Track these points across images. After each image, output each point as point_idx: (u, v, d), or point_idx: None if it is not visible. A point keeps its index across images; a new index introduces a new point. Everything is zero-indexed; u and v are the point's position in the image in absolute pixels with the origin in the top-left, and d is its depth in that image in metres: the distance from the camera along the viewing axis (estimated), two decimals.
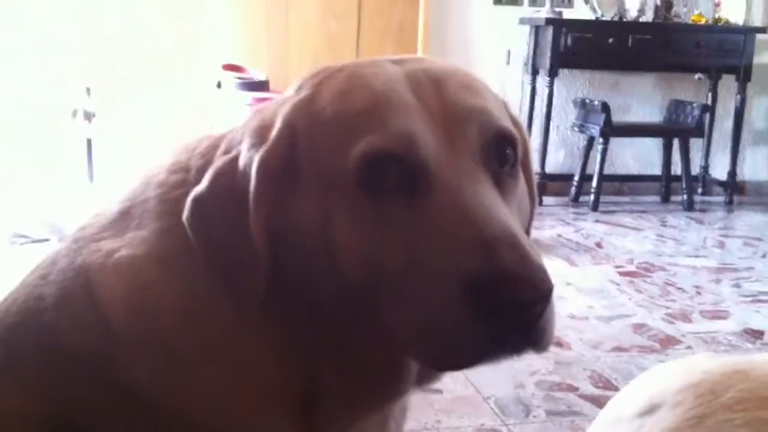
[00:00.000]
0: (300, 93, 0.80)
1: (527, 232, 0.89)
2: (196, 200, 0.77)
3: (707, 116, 4.96)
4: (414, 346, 0.72)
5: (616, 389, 1.21)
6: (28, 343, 0.81)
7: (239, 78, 4.25)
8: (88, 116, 3.90)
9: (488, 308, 0.65)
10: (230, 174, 0.78)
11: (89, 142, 3.94)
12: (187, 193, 0.80)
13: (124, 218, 0.84)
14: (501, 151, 0.78)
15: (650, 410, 1.06)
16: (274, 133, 0.77)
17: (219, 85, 4.26)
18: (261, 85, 4.24)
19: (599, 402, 1.18)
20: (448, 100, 0.77)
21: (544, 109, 4.76)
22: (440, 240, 0.69)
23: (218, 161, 0.80)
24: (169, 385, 0.77)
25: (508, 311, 0.65)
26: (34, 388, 0.79)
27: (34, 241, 3.23)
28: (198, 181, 0.80)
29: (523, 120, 4.84)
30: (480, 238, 0.67)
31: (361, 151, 0.72)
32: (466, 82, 0.80)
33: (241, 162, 0.78)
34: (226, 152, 0.82)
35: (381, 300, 0.73)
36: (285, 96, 0.83)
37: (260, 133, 0.78)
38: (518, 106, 4.93)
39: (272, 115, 0.80)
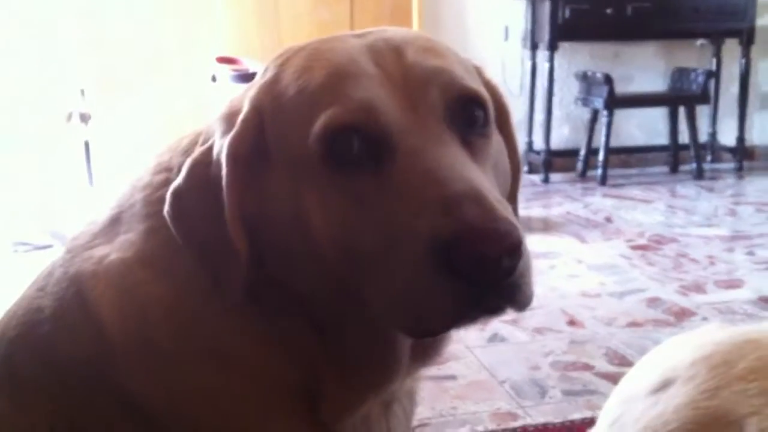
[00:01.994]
0: (265, 75, 0.80)
1: (513, 194, 0.87)
2: (174, 193, 0.76)
3: (712, 82, 4.90)
4: (390, 316, 0.69)
5: (632, 365, 1.19)
6: (28, 357, 0.81)
7: (234, 70, 4.22)
8: (84, 118, 3.88)
9: (455, 267, 0.62)
10: (205, 164, 0.77)
11: (87, 144, 3.91)
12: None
13: (114, 224, 0.84)
14: (468, 112, 0.76)
15: (664, 386, 1.04)
16: (240, 117, 0.76)
17: (214, 79, 4.22)
18: (255, 77, 4.21)
19: (616, 379, 1.16)
20: (408, 65, 0.75)
21: (546, 84, 4.70)
22: (405, 204, 0.67)
23: (194, 154, 0.79)
24: (165, 387, 0.76)
25: (475, 268, 0.62)
26: (39, 403, 0.78)
27: (36, 248, 3.22)
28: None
29: (525, 96, 4.81)
30: (442, 196, 0.65)
31: (322, 125, 0.71)
32: (428, 46, 0.78)
33: (215, 151, 0.77)
34: (204, 144, 0.81)
35: (359, 276, 0.70)
36: (254, 81, 0.82)
37: (229, 120, 0.78)
38: (519, 83, 4.88)
39: (240, 101, 0.79)
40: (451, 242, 0.62)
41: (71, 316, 0.79)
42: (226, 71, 4.19)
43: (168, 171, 0.84)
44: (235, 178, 0.74)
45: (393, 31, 0.81)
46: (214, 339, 0.77)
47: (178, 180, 0.77)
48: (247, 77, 4.16)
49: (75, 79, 4.19)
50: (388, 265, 0.67)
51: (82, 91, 3.97)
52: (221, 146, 0.76)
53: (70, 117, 3.86)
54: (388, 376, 0.82)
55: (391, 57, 0.75)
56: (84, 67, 4.27)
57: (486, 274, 0.63)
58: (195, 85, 4.37)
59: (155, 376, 0.76)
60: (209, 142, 0.79)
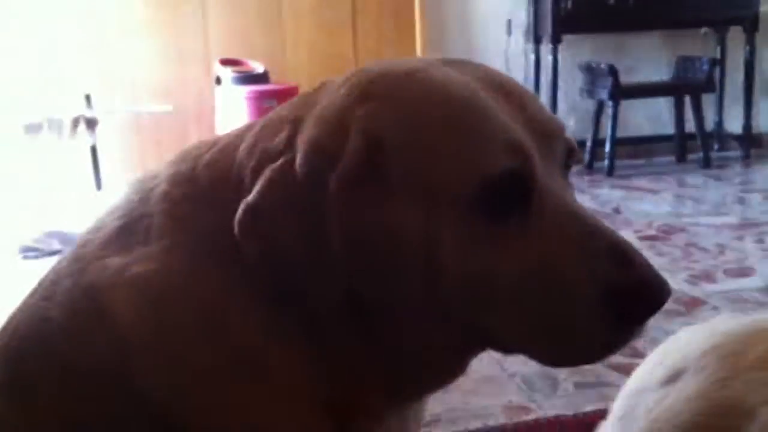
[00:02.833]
0: (361, 99, 0.77)
1: None
2: (251, 211, 0.74)
3: (717, 70, 4.88)
4: (536, 347, 0.75)
5: (644, 356, 1.19)
6: (38, 367, 0.79)
7: (238, 72, 4.22)
8: (91, 124, 3.89)
9: (627, 312, 0.70)
10: (289, 184, 0.74)
11: (94, 149, 3.92)
12: (196, 209, 0.79)
13: (126, 234, 0.81)
14: (569, 164, 0.81)
15: (674, 377, 1.04)
16: (352, 142, 0.73)
17: (218, 81, 4.23)
18: (260, 78, 4.21)
19: (627, 370, 1.16)
20: (529, 113, 0.77)
21: (550, 77, 4.69)
22: (565, 249, 0.71)
23: (268, 171, 0.75)
24: (196, 401, 0.76)
25: (648, 314, 0.70)
26: (51, 413, 0.77)
27: (46, 255, 3.22)
28: (210, 194, 0.79)
29: (529, 87, 4.79)
30: (608, 245, 0.70)
31: (481, 172, 0.72)
32: (531, 94, 0.82)
33: (303, 169, 0.74)
34: (260, 163, 0.78)
35: (488, 309, 0.73)
36: (309, 99, 0.81)
37: (320, 142, 0.75)
38: (523, 76, 4.87)
39: (322, 122, 0.76)
40: (631, 294, 0.69)
41: (88, 328, 0.77)
42: (230, 73, 4.20)
43: (191, 183, 0.81)
44: (347, 203, 0.72)
45: (481, 68, 0.82)
46: (248, 354, 0.76)
47: (254, 197, 0.74)
48: (251, 79, 4.17)
49: (79, 85, 4.20)
50: (540, 301, 0.71)
51: (88, 97, 3.97)
52: (318, 168, 0.73)
53: (76, 123, 3.87)
54: (437, 387, 0.84)
55: (505, 99, 0.77)
56: (88, 72, 4.28)
57: (651, 316, 0.71)
58: (199, 87, 4.38)
59: (186, 390, 0.75)
60: (281, 162, 0.75)
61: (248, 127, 0.85)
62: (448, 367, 0.82)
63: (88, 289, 0.78)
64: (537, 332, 0.73)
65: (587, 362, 0.75)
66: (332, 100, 0.79)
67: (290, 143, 0.77)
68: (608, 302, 0.69)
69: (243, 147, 0.81)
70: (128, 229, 0.81)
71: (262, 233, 0.74)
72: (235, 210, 0.75)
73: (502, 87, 0.78)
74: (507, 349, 0.78)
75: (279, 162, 0.75)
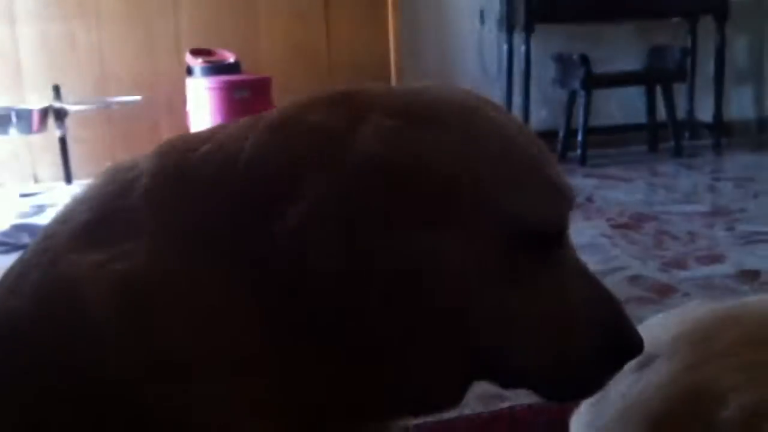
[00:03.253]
0: (422, 123, 0.75)
1: None
2: (339, 219, 0.72)
3: (688, 59, 4.92)
4: (541, 383, 0.80)
5: None
6: (3, 361, 0.76)
7: (209, 62, 4.19)
8: (60, 115, 3.84)
9: (617, 364, 0.81)
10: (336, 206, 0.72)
11: (63, 141, 3.88)
12: (187, 205, 0.76)
13: (100, 227, 0.77)
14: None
15: (646, 363, 1.05)
16: (425, 172, 0.72)
17: (189, 71, 4.20)
18: (231, 68, 4.18)
19: None
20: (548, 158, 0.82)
21: (523, 67, 4.70)
22: (581, 304, 0.78)
23: (343, 182, 0.72)
24: (179, 400, 0.73)
25: (625, 363, 0.82)
26: (17, 412, 0.74)
27: (15, 249, 3.19)
28: (208, 191, 0.76)
29: (503, 80, 4.81)
30: (609, 301, 0.80)
31: (542, 216, 0.76)
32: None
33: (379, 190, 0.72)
34: (315, 179, 0.73)
35: (501, 345, 0.76)
36: (317, 124, 0.76)
37: (389, 162, 0.72)
38: (497, 66, 4.88)
39: (380, 140, 0.73)
40: (623, 352, 0.81)
41: (64, 323, 0.73)
42: (201, 63, 4.17)
43: (181, 178, 0.78)
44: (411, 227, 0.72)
45: (504, 117, 0.83)
46: (236, 357, 0.74)
47: (332, 204, 0.71)
48: (222, 69, 4.14)
49: (48, 76, 4.15)
50: (552, 342, 0.77)
51: (57, 87, 3.93)
52: (382, 189, 0.71)
53: (45, 114, 3.82)
54: (430, 413, 0.85)
55: (542, 149, 0.82)
56: (56, 62, 4.23)
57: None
58: (170, 78, 4.35)
59: (169, 389, 0.72)
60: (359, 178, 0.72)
61: (250, 127, 0.80)
62: (448, 398, 0.81)
63: (61, 283, 0.75)
64: (544, 371, 0.78)
65: (581, 398, 0.88)
66: (380, 120, 0.75)
67: (341, 158, 0.73)
68: (607, 357, 0.79)
69: (262, 146, 0.77)
70: (102, 222, 0.78)
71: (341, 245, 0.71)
72: (246, 211, 0.73)
73: (534, 137, 0.83)
74: (510, 384, 0.83)
75: (355, 179, 0.72)
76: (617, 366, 0.81)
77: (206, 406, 0.73)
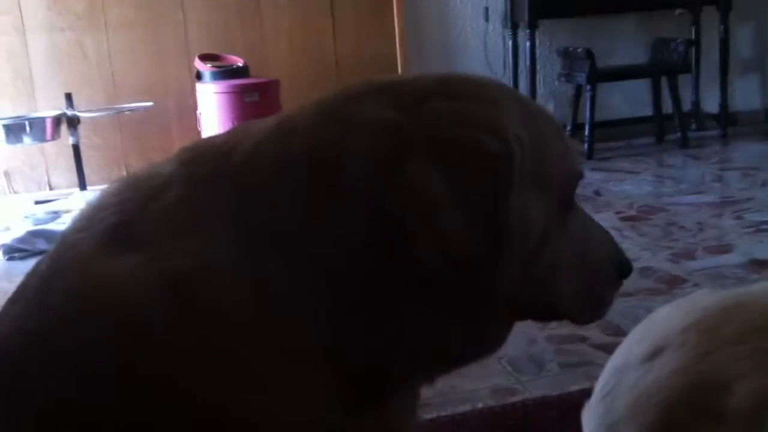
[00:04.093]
0: (486, 103, 0.82)
1: None
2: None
3: (693, 51, 4.91)
4: (576, 310, 0.91)
5: (626, 335, 1.22)
6: (38, 373, 0.72)
7: (217, 67, 4.22)
8: (73, 123, 3.87)
9: (619, 280, 0.95)
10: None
11: (76, 148, 3.91)
12: (237, 204, 0.75)
13: (132, 231, 0.75)
14: None
15: (655, 354, 1.07)
16: (513, 141, 0.78)
17: (198, 76, 4.23)
18: (240, 72, 4.22)
19: (611, 349, 1.19)
20: None
21: (528, 63, 4.71)
22: (595, 240, 0.93)
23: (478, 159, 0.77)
24: (253, 406, 0.72)
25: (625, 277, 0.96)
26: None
27: (32, 255, 3.21)
28: (256, 192, 0.76)
29: (508, 76, 4.82)
30: (607, 234, 0.95)
31: (577, 173, 0.90)
32: None
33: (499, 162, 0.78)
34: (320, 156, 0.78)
35: (550, 284, 0.87)
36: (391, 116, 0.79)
37: (482, 144, 0.77)
38: (502, 63, 4.89)
39: (466, 123, 0.79)
40: (626, 269, 0.95)
41: (111, 326, 0.70)
42: (210, 68, 4.19)
43: (215, 183, 0.78)
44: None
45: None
46: (297, 350, 0.74)
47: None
48: (230, 73, 4.17)
49: (59, 84, 4.18)
50: (582, 275, 0.90)
51: (69, 95, 3.95)
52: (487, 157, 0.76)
53: (59, 121, 3.85)
54: (480, 360, 0.88)
55: None
56: (68, 71, 4.26)
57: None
58: (180, 83, 4.37)
59: (242, 395, 0.71)
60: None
61: (277, 128, 0.82)
62: (500, 340, 0.89)
63: (102, 288, 0.71)
64: (577, 299, 0.90)
65: (600, 317, 0.95)
66: (441, 103, 0.80)
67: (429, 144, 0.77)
68: (615, 278, 0.94)
69: (328, 141, 0.79)
70: (133, 226, 0.76)
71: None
72: (316, 205, 0.75)
73: None
74: (550, 317, 0.95)
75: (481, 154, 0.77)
76: (620, 285, 0.95)
77: (270, 404, 0.72)
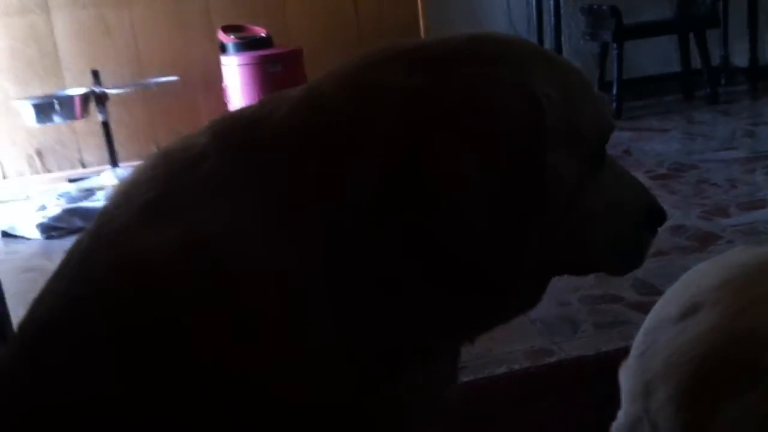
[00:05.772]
0: (511, 64, 0.82)
1: None
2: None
3: (720, 4, 4.83)
4: (610, 262, 0.92)
5: (661, 293, 1.21)
6: (81, 346, 0.74)
7: (241, 38, 4.22)
8: (101, 100, 3.90)
9: (655, 225, 0.94)
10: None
11: (106, 125, 3.94)
12: (271, 174, 0.76)
13: (170, 203, 0.77)
14: None
15: (691, 311, 1.07)
16: (542, 102, 0.78)
17: (223, 49, 4.24)
18: (263, 42, 4.21)
19: (645, 309, 1.19)
20: None
21: (553, 22, 4.66)
22: (627, 190, 0.91)
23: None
24: (268, 366, 0.73)
25: (660, 225, 0.95)
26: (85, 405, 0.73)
27: (69, 233, 3.26)
28: (290, 161, 0.77)
29: (533, 36, 4.78)
30: (639, 184, 0.93)
31: (609, 125, 0.89)
32: None
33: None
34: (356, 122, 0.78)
35: (591, 234, 0.87)
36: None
37: (503, 104, 0.77)
38: (526, 22, 4.84)
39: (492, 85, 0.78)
40: (658, 216, 0.94)
41: (148, 297, 0.72)
42: (233, 40, 4.19)
43: (255, 153, 0.78)
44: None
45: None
46: (320, 320, 0.75)
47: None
48: (253, 44, 4.16)
49: (85, 62, 4.21)
50: (613, 226, 0.89)
51: (96, 73, 3.98)
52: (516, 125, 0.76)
53: (87, 99, 3.88)
54: (517, 316, 0.91)
55: None
56: (93, 47, 4.28)
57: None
58: (204, 55, 4.38)
59: (253, 352, 0.72)
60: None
61: (306, 98, 0.82)
62: (537, 297, 0.90)
63: (139, 261, 0.73)
64: (611, 250, 0.90)
65: (635, 267, 0.94)
66: (485, 69, 0.80)
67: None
68: (648, 221, 0.93)
69: (358, 111, 0.79)
70: (170, 198, 0.77)
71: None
72: (348, 174, 0.75)
73: None
74: (585, 271, 0.94)
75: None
76: (654, 233, 0.94)
77: (291, 371, 0.73)
